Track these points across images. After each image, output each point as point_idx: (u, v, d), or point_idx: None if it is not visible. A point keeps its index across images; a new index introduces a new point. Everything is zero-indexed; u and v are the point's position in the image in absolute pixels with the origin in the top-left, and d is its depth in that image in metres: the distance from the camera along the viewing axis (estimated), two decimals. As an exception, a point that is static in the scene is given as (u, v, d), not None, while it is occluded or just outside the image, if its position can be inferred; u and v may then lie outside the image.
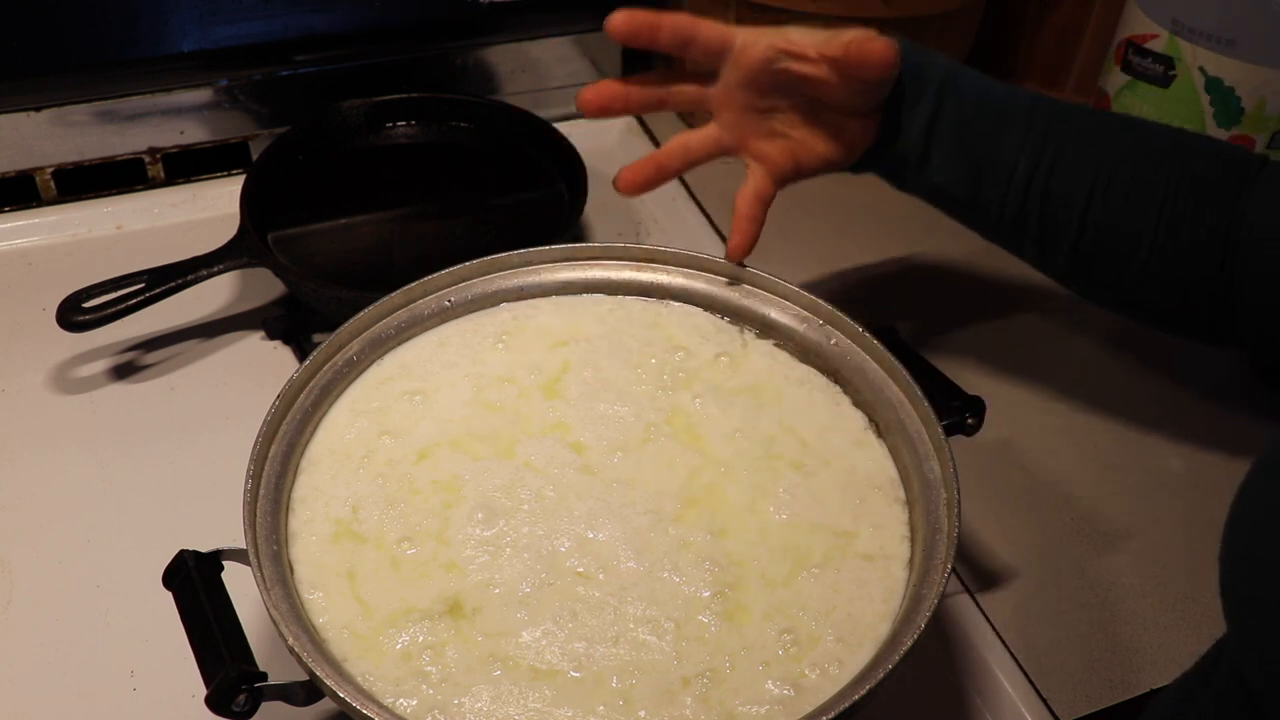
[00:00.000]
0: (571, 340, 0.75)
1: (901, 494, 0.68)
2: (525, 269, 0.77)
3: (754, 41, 0.73)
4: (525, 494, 0.67)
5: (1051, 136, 0.74)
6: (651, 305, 0.78)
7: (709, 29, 0.73)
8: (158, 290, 0.88)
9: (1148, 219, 0.73)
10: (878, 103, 0.74)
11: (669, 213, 1.08)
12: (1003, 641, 0.76)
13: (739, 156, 0.78)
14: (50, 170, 1.03)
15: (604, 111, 0.74)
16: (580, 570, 0.64)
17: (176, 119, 1.04)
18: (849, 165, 0.78)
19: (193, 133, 1.05)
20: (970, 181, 0.75)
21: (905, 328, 0.75)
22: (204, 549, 0.63)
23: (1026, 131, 0.74)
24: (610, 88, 0.74)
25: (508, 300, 0.77)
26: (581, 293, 0.78)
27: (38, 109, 1.00)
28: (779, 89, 0.74)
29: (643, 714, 0.58)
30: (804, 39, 0.72)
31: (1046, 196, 0.74)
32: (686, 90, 0.76)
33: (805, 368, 0.74)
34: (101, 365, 0.91)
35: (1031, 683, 0.74)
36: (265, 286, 0.96)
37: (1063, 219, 0.74)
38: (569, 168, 1.01)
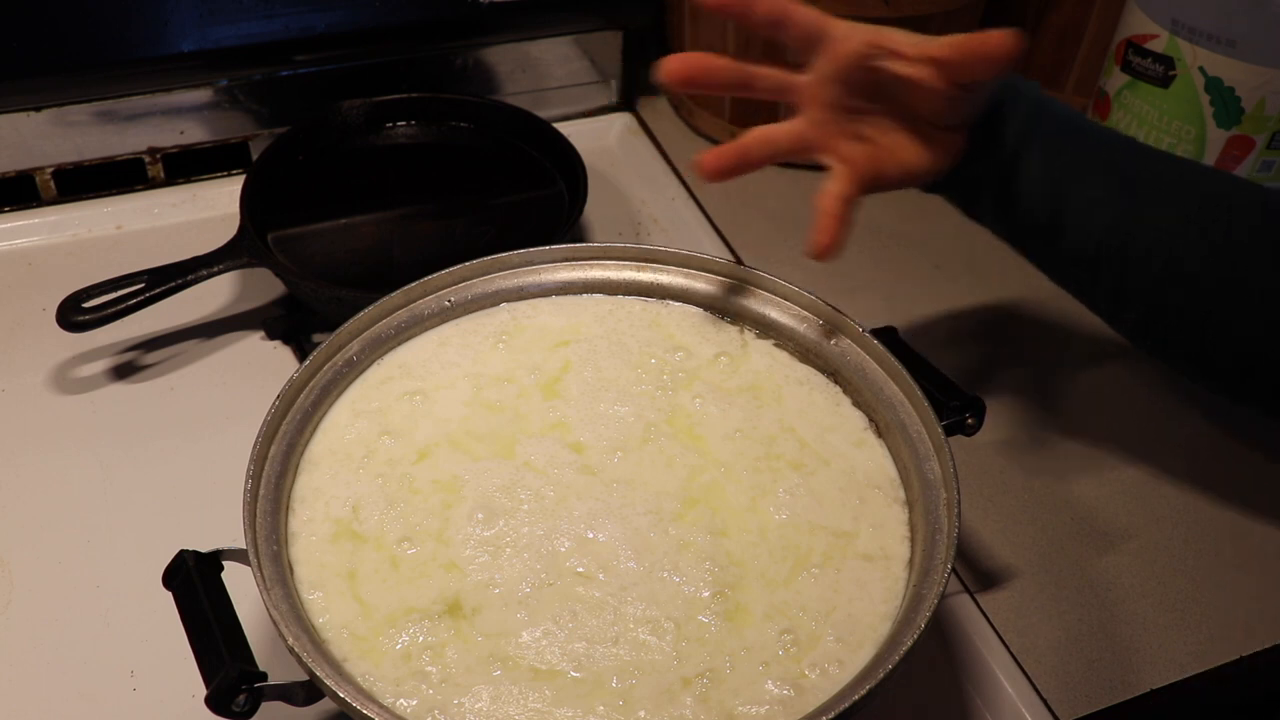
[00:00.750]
0: (572, 340, 0.75)
1: (901, 494, 0.68)
2: (525, 269, 0.77)
3: (850, 34, 0.69)
4: (525, 494, 0.67)
5: (1140, 184, 0.71)
6: (651, 305, 0.78)
7: (804, 13, 0.69)
8: (158, 290, 0.88)
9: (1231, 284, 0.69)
10: (970, 116, 0.71)
11: (669, 213, 1.08)
12: (1003, 641, 0.76)
13: (820, 157, 0.73)
14: (50, 170, 1.03)
15: (694, 85, 0.70)
16: (580, 570, 0.64)
17: (176, 119, 1.04)
18: (926, 183, 0.75)
19: (193, 133, 1.05)
20: (1051, 214, 0.71)
21: (905, 328, 0.75)
22: (204, 549, 0.63)
23: (1111, 175, 0.71)
24: (697, 59, 0.69)
25: (508, 300, 0.77)
26: (581, 293, 0.78)
27: (38, 109, 1.00)
28: (872, 89, 0.70)
29: (642, 714, 0.58)
30: (902, 38, 0.68)
31: (1126, 248, 0.70)
32: (773, 74, 0.71)
33: (805, 368, 0.74)
34: (101, 365, 0.91)
35: (1031, 683, 0.74)
36: (265, 286, 0.96)
37: (1141, 272, 0.70)
38: (569, 168, 1.01)
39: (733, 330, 0.76)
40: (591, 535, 0.65)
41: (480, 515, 0.66)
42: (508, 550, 0.64)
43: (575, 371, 0.74)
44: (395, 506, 0.66)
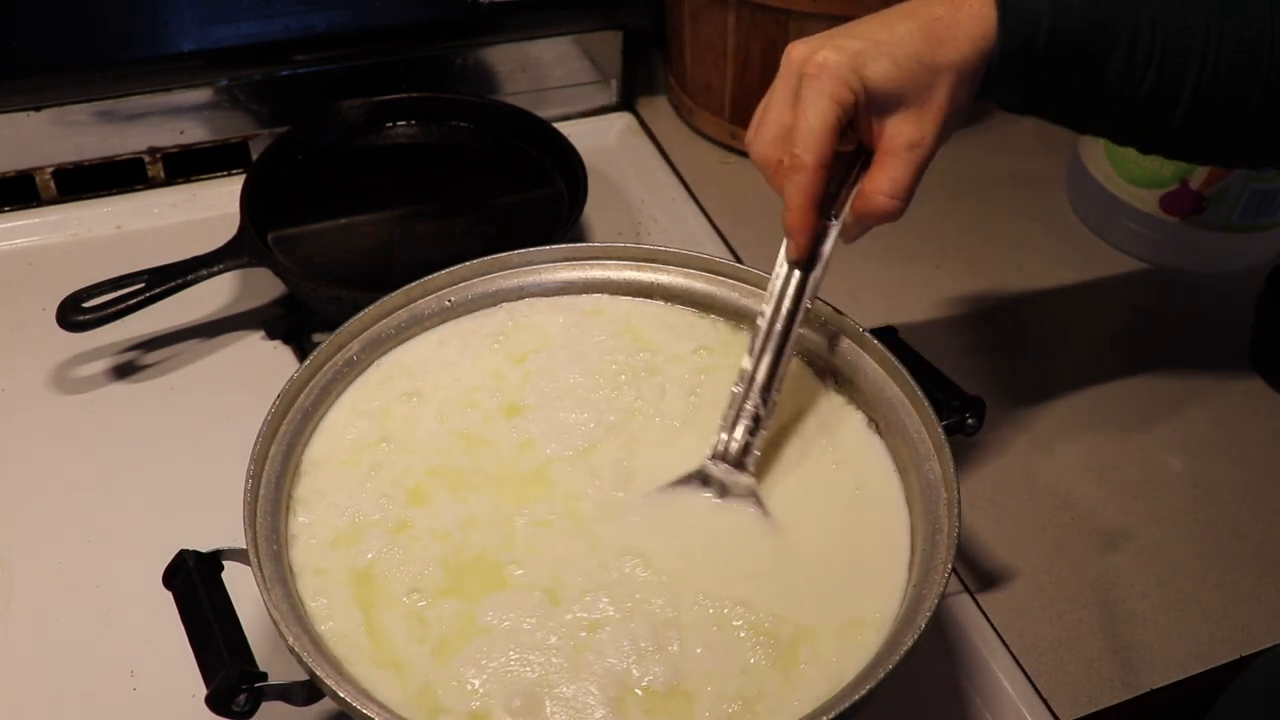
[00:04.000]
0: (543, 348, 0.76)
1: (901, 494, 0.68)
2: (525, 269, 0.77)
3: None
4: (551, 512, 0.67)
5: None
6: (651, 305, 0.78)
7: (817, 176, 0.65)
8: (158, 290, 0.88)
9: (1260, 63, 0.68)
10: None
11: (669, 213, 1.08)
12: (1003, 641, 0.76)
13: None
14: (50, 170, 1.03)
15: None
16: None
17: (176, 119, 1.04)
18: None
19: (193, 133, 1.05)
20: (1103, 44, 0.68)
21: (905, 328, 0.75)
22: (204, 549, 0.63)
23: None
24: (809, 223, 0.66)
25: (507, 300, 0.77)
26: (581, 293, 0.78)
27: (38, 109, 1.00)
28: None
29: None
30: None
31: (1165, 53, 0.68)
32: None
33: (805, 368, 0.74)
34: (101, 365, 0.91)
35: (1031, 683, 0.74)
36: (265, 286, 0.96)
37: (1178, 78, 0.68)
38: (569, 168, 1.01)
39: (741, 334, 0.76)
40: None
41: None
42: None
43: (534, 380, 0.74)
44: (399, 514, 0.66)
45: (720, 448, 0.68)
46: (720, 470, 0.67)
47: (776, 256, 0.67)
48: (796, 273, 0.67)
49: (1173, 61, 0.68)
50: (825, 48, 0.64)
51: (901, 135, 0.65)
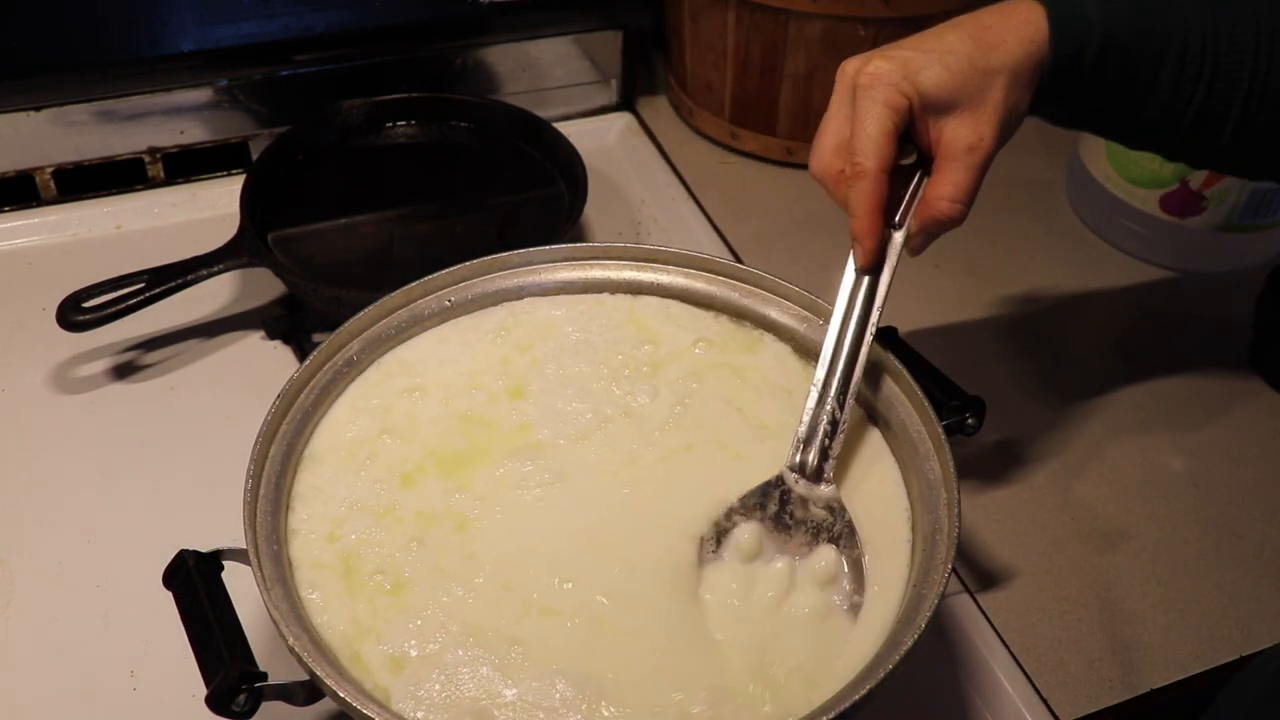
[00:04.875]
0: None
1: (902, 494, 0.68)
2: (525, 269, 0.77)
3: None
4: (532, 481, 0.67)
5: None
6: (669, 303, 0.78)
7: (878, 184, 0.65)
8: (158, 290, 0.88)
9: None
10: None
11: (669, 213, 1.08)
12: (1003, 641, 0.76)
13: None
14: (50, 170, 1.03)
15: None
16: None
17: (176, 119, 1.04)
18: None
19: (193, 133, 1.05)
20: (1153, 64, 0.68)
21: (905, 328, 0.75)
22: (204, 549, 0.63)
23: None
24: (875, 232, 0.67)
25: (508, 300, 0.77)
26: (581, 292, 0.78)
27: (38, 109, 1.00)
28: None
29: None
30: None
31: (1215, 71, 0.68)
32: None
33: (806, 367, 0.74)
34: (101, 365, 0.91)
35: (1031, 683, 0.74)
36: (265, 286, 0.96)
37: (1231, 88, 0.69)
38: (569, 168, 1.01)
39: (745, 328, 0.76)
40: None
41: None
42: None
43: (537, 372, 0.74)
44: (392, 512, 0.66)
45: (797, 461, 0.67)
46: (801, 487, 0.67)
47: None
48: (866, 279, 0.67)
49: (1223, 76, 0.68)
50: (876, 58, 0.65)
51: (960, 139, 0.66)
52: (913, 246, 0.68)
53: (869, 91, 0.64)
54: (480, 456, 0.69)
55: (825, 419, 0.67)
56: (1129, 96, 0.69)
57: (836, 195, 0.67)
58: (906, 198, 0.68)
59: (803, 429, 0.67)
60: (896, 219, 0.68)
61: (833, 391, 0.67)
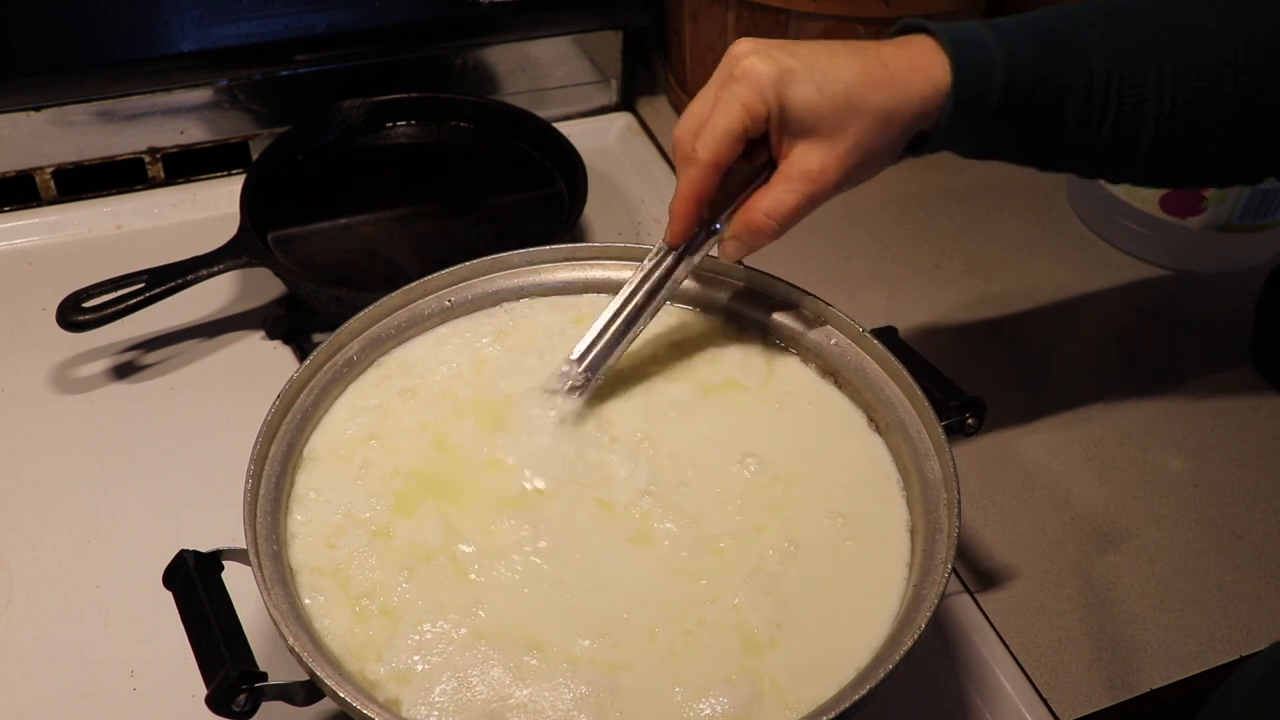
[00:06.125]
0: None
1: (901, 494, 0.68)
2: (525, 269, 0.77)
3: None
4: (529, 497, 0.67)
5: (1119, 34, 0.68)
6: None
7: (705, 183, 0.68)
8: (158, 290, 0.88)
9: (1220, 93, 0.68)
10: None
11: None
12: (1003, 641, 0.76)
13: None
14: (50, 170, 1.03)
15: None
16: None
17: (176, 119, 1.04)
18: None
19: (193, 132, 1.05)
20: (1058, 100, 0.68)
21: (905, 328, 0.75)
22: (204, 549, 0.63)
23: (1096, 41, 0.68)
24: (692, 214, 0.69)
25: (508, 300, 0.77)
26: (581, 293, 0.78)
27: (38, 109, 1.00)
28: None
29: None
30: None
31: (1122, 91, 0.68)
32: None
33: (805, 368, 0.74)
34: (101, 365, 0.91)
35: (1031, 683, 0.74)
36: (265, 286, 0.96)
37: (1138, 112, 0.69)
38: (569, 168, 1.01)
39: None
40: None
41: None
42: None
43: None
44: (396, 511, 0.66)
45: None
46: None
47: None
48: (669, 258, 0.70)
49: (1129, 106, 0.68)
50: (760, 55, 0.65)
51: (802, 163, 0.67)
52: (724, 250, 0.70)
53: (734, 86, 0.65)
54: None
55: (579, 376, 0.70)
56: (1036, 132, 0.70)
57: (676, 169, 0.69)
58: (738, 199, 0.69)
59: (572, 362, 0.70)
60: (723, 216, 0.69)
61: (600, 344, 0.70)
